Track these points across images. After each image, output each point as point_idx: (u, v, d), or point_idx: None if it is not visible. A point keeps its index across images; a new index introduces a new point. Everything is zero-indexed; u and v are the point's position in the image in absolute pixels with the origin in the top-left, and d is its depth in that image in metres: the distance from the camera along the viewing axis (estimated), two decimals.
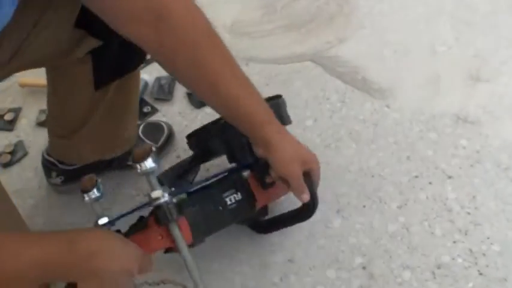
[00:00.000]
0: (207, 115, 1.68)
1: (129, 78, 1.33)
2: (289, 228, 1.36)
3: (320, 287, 1.32)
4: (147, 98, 1.74)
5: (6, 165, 1.62)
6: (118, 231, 1.11)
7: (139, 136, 1.57)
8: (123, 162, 1.53)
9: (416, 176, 1.50)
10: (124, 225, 1.12)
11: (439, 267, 1.35)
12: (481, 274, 1.33)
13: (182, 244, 1.09)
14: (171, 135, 1.62)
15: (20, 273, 0.83)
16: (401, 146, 1.57)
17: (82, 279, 0.89)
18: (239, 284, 1.35)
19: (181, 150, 1.61)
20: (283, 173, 1.16)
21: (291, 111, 1.35)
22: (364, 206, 1.46)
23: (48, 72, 1.32)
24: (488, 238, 1.38)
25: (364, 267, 1.36)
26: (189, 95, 1.73)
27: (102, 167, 1.52)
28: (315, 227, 1.42)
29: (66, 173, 1.50)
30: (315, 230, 1.41)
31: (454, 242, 1.38)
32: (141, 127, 1.60)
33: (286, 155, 1.15)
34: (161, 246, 1.13)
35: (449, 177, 1.49)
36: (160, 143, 1.58)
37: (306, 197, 1.17)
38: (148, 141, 1.57)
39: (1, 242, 0.84)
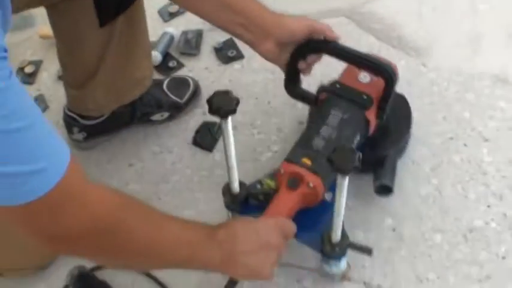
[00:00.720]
0: (235, 71, 1.65)
1: (134, 10, 1.29)
2: None
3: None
4: (173, 52, 1.70)
5: None
6: None
7: (164, 91, 1.54)
8: (145, 117, 1.50)
9: (451, 138, 1.45)
10: None
11: (471, 231, 1.30)
12: None
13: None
14: (197, 91, 1.57)
15: (178, 246, 0.96)
16: (437, 107, 1.51)
17: (226, 266, 1.02)
18: None
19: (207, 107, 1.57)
20: (299, 26, 1.21)
21: (322, 68, 1.32)
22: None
23: (50, 17, 1.28)
24: None
25: (393, 229, 1.32)
26: (217, 50, 1.68)
27: (123, 120, 1.49)
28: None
29: (88, 128, 1.48)
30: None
31: (488, 206, 1.34)
32: (165, 82, 1.56)
33: (292, 18, 1.23)
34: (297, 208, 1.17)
35: (486, 139, 1.44)
36: (185, 98, 1.54)
37: (332, 33, 1.23)
38: (173, 97, 1.53)
39: (166, 221, 0.96)
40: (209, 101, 1.06)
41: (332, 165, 0.97)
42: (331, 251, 1.17)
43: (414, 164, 1.41)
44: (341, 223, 1.12)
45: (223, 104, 1.06)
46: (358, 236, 1.31)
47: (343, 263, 1.23)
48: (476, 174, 1.39)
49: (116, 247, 0.89)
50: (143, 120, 1.52)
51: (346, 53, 1.25)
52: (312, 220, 1.20)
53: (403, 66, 1.59)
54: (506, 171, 1.38)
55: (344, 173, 0.98)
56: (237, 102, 1.06)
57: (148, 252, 0.93)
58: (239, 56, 1.66)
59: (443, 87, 1.55)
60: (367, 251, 1.19)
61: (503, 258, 1.26)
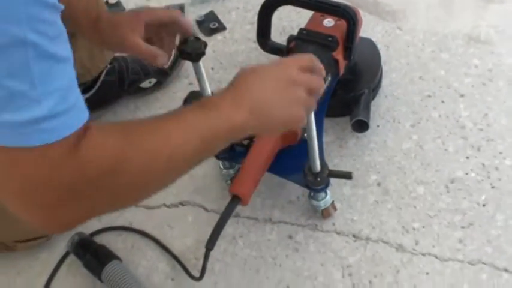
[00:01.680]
0: (218, 42, 1.69)
1: None
2: None
3: (337, 203, 1.34)
4: None
5: None
6: None
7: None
8: (134, 85, 1.55)
9: (429, 96, 1.51)
10: None
11: (452, 182, 1.37)
12: (493, 187, 1.35)
13: None
14: (178, 58, 1.61)
15: (194, 130, 0.85)
16: (414, 67, 1.57)
17: (251, 124, 0.90)
18: (258, 203, 1.38)
19: (193, 77, 1.62)
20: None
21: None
22: (378, 126, 1.47)
23: None
24: (500, 153, 1.40)
25: (378, 184, 1.39)
26: (199, 23, 1.73)
27: (114, 90, 1.54)
28: (330, 147, 1.44)
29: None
30: (330, 149, 1.43)
31: (467, 157, 1.40)
32: None
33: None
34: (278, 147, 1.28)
35: (462, 95, 1.51)
36: (169, 63, 1.58)
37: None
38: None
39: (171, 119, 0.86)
40: (179, 47, 1.13)
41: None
42: (313, 181, 1.26)
43: (395, 122, 1.48)
44: (316, 153, 1.21)
45: (193, 48, 1.12)
46: (346, 192, 1.38)
47: (328, 197, 1.31)
48: (455, 128, 1.45)
49: (135, 172, 0.80)
50: (133, 89, 1.56)
51: (309, 0, 1.36)
52: (296, 158, 1.29)
53: (380, 31, 1.65)
54: (482, 124, 1.45)
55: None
56: (205, 45, 1.12)
57: (170, 157, 0.82)
58: (221, 28, 1.71)
59: (418, 48, 1.61)
60: (347, 175, 1.27)
61: (484, 205, 1.33)
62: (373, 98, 1.49)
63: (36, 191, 0.73)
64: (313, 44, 1.37)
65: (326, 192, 1.30)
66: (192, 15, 1.75)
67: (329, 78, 1.35)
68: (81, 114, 0.74)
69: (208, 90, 1.21)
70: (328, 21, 1.41)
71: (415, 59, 1.59)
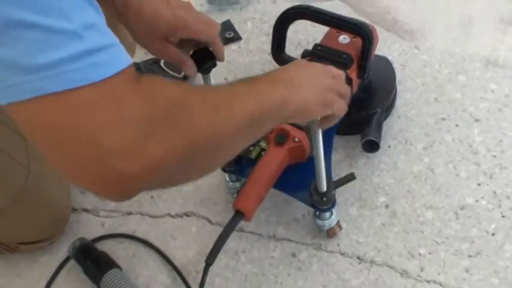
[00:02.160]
0: (233, 52, 1.68)
1: None
2: None
3: (343, 223, 1.32)
4: None
5: None
6: None
7: (162, 68, 1.56)
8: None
9: (443, 119, 1.49)
10: None
11: (462, 208, 1.35)
12: (504, 216, 1.33)
13: None
14: None
15: (247, 97, 0.85)
16: (429, 88, 1.55)
17: (293, 95, 0.92)
18: (263, 219, 1.36)
19: None
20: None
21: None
22: (389, 146, 1.45)
23: None
24: None
25: (386, 206, 1.36)
26: None
27: None
28: (339, 166, 1.42)
29: None
30: (339, 168, 1.41)
31: (479, 184, 1.38)
32: (163, 59, 1.58)
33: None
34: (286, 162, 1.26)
35: (477, 120, 1.48)
36: (183, 72, 1.57)
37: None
38: (171, 72, 1.57)
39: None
40: (191, 56, 1.11)
41: None
42: (319, 201, 1.24)
43: (407, 144, 1.45)
44: (323, 171, 1.19)
45: (205, 60, 1.10)
46: (352, 212, 1.36)
47: (333, 217, 1.29)
48: (468, 153, 1.43)
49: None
50: None
51: (325, 16, 1.35)
52: (303, 175, 1.27)
53: (397, 49, 1.63)
54: (496, 151, 1.42)
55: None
56: (215, 58, 1.11)
57: (230, 110, 0.80)
58: (237, 38, 1.69)
59: (435, 68, 1.59)
60: (351, 177, 1.26)
61: (493, 234, 1.30)
62: (385, 118, 1.47)
63: (112, 132, 0.66)
64: (327, 60, 1.34)
65: (332, 212, 1.28)
66: None
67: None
68: (126, 54, 0.70)
69: None
70: (344, 38, 1.39)
71: (431, 80, 1.56)
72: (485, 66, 1.57)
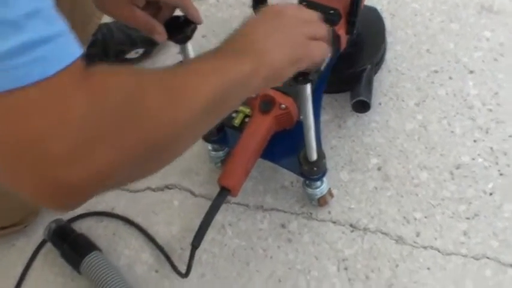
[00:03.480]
0: (211, 6, 1.57)
1: None
2: None
3: (334, 189, 1.25)
4: None
5: None
6: None
7: None
8: (119, 56, 1.44)
9: (436, 71, 1.40)
10: None
11: (457, 168, 1.28)
12: (501, 174, 1.26)
13: None
14: None
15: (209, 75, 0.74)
16: (421, 38, 1.46)
17: (262, 64, 0.80)
18: (249, 188, 1.29)
19: None
20: None
21: None
22: (380, 104, 1.37)
23: None
24: (510, 136, 1.30)
25: (379, 168, 1.29)
26: None
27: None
28: (328, 127, 1.34)
29: None
30: (328, 129, 1.34)
31: (475, 140, 1.31)
32: None
33: None
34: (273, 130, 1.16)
35: (471, 71, 1.40)
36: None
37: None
38: None
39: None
40: (165, 25, 0.99)
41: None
42: (309, 170, 1.16)
43: (399, 100, 1.37)
44: (313, 140, 1.11)
45: (179, 30, 1.00)
46: (343, 177, 1.29)
47: (324, 185, 1.21)
48: (462, 108, 1.35)
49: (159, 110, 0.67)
50: (118, 61, 1.45)
51: None
52: (290, 142, 1.20)
53: None
54: (491, 104, 1.35)
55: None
56: (193, 29, 0.99)
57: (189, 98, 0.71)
58: None
59: (426, 17, 1.49)
60: None
61: (491, 194, 1.24)
62: (375, 72, 1.39)
63: (55, 138, 0.57)
64: None
65: (322, 180, 1.21)
66: None
67: (330, 55, 1.25)
68: (75, 44, 0.61)
69: None
70: None
71: (422, 30, 1.47)
72: (479, 12, 1.48)
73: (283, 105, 1.15)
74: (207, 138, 1.23)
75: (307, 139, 1.11)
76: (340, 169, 1.30)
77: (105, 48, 1.40)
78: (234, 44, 0.82)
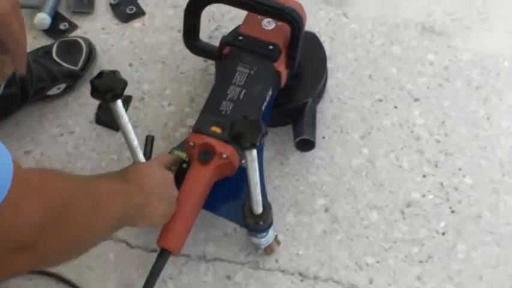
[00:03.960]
0: (136, 30, 1.45)
1: None
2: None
3: (280, 234, 1.18)
4: (63, 12, 1.46)
5: None
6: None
7: (54, 60, 1.32)
8: (39, 94, 1.29)
9: (380, 100, 1.34)
10: None
11: (408, 206, 1.22)
12: (453, 212, 1.21)
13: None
14: (92, 53, 1.36)
15: (113, 197, 0.89)
16: (362, 63, 1.38)
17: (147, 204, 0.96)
18: (190, 237, 1.19)
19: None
20: None
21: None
22: (323, 137, 1.29)
23: None
24: (460, 169, 1.26)
25: (326, 209, 1.22)
26: (113, 7, 1.46)
27: (16, 103, 1.28)
28: (270, 165, 1.25)
29: None
30: (270, 168, 1.25)
31: (424, 175, 1.25)
32: (54, 49, 1.33)
33: None
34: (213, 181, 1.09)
35: (416, 99, 1.34)
36: (80, 64, 1.33)
37: None
38: (65, 65, 1.32)
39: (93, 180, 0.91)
40: (91, 83, 0.91)
41: (235, 142, 0.88)
42: (254, 224, 1.08)
43: (343, 133, 1.30)
44: (259, 195, 1.02)
45: (108, 86, 0.91)
46: (289, 221, 1.21)
47: (270, 234, 1.13)
48: (409, 140, 1.29)
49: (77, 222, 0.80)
50: (38, 98, 1.31)
51: (247, 0, 1.14)
52: (231, 190, 1.12)
53: (323, 17, 1.44)
54: (439, 134, 1.29)
55: (249, 148, 0.89)
56: (125, 84, 0.92)
57: (94, 216, 0.83)
58: (139, 13, 1.45)
59: (367, 39, 1.41)
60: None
61: (443, 234, 1.19)
62: (317, 103, 1.31)
63: (11, 233, 0.69)
64: (252, 53, 1.16)
65: (268, 230, 1.13)
66: None
67: (270, 93, 1.16)
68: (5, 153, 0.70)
69: (130, 130, 0.99)
70: (268, 22, 1.20)
71: (363, 54, 1.39)
72: (420, 34, 1.41)
73: (224, 155, 1.06)
74: None
75: (251, 193, 1.02)
76: (286, 211, 1.22)
77: (24, 88, 1.25)
78: (137, 179, 0.97)
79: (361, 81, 1.36)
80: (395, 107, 1.33)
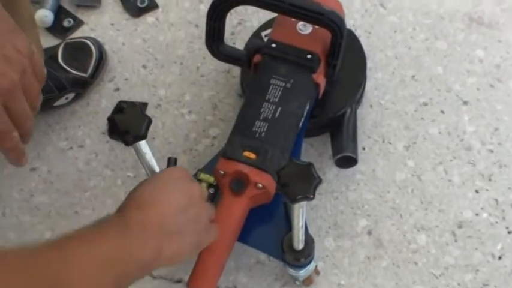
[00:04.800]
0: (149, 26, 1.30)
1: None
2: None
3: (318, 261, 1.06)
4: (66, 6, 1.31)
5: None
6: None
7: (61, 66, 1.18)
8: (46, 105, 1.16)
9: (425, 104, 1.20)
10: None
11: (460, 226, 1.10)
12: (510, 233, 1.09)
13: None
14: (102, 56, 1.22)
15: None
16: (404, 61, 1.24)
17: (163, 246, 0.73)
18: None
19: (121, 80, 1.24)
20: None
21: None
22: (363, 148, 1.16)
23: None
24: None
25: (369, 232, 1.10)
26: (123, 0, 1.31)
27: None
28: None
29: None
30: None
31: (477, 191, 1.13)
32: (60, 53, 1.19)
33: None
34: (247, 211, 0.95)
35: (465, 102, 1.20)
36: (90, 71, 1.20)
37: None
38: (74, 71, 1.18)
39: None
40: (110, 121, 0.79)
41: (284, 193, 0.75)
42: (294, 261, 0.96)
43: (385, 142, 1.17)
44: (303, 235, 0.91)
45: (130, 125, 0.78)
46: (329, 246, 1.09)
47: (310, 265, 1.00)
48: (459, 150, 1.16)
49: None
50: (45, 109, 1.18)
51: (281, 3, 0.98)
52: (266, 218, 1.00)
53: (358, 9, 1.29)
54: (492, 143, 1.16)
55: (300, 201, 0.76)
56: (149, 121, 0.79)
57: None
58: (152, 6, 1.30)
59: (408, 34, 1.26)
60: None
61: (500, 258, 1.07)
62: (356, 109, 1.17)
63: None
64: (287, 63, 1.02)
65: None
66: None
67: (307, 108, 1.02)
68: None
69: (157, 170, 0.87)
70: (304, 26, 1.05)
71: (405, 51, 1.25)
72: (468, 26, 1.27)
73: (259, 184, 0.93)
74: None
75: (294, 234, 0.90)
76: (324, 235, 1.10)
77: None
78: (140, 221, 0.72)
79: (403, 82, 1.22)
80: (443, 111, 1.19)
